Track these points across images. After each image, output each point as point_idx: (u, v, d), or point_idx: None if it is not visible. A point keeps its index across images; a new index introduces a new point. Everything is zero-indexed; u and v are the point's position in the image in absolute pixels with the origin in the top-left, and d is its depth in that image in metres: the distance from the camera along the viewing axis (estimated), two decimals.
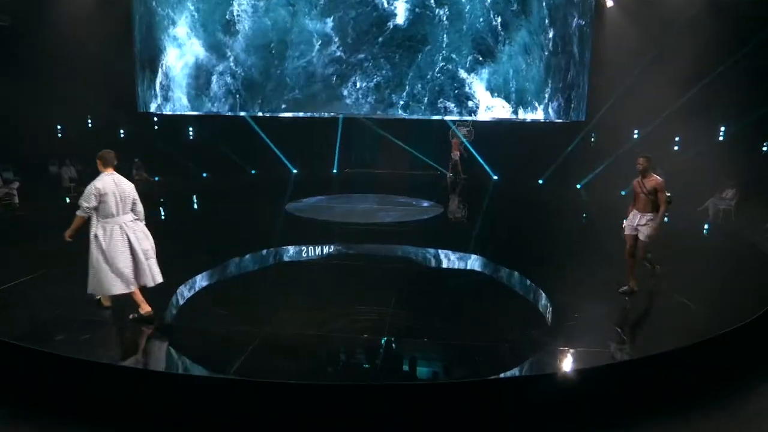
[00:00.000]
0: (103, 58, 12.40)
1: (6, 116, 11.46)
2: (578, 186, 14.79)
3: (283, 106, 9.08)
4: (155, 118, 15.75)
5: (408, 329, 5.20)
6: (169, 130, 15.76)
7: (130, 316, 5.03)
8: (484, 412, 3.89)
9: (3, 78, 11.71)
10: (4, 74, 11.77)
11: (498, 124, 15.85)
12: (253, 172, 16.56)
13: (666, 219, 5.87)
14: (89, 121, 14.95)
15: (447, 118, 15.93)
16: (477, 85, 9.07)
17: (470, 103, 9.07)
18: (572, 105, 10.27)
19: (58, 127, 14.34)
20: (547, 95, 9.53)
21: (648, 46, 12.39)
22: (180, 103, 9.20)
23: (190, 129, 16.49)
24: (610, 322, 5.35)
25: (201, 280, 6.43)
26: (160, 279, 5.11)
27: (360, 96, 8.68)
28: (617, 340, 4.97)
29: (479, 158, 16.87)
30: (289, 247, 8.20)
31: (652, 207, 5.62)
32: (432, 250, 8.28)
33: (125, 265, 4.89)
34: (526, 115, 9.46)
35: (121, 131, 15.33)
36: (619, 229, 6.05)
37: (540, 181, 15.65)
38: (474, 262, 7.62)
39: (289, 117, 14.11)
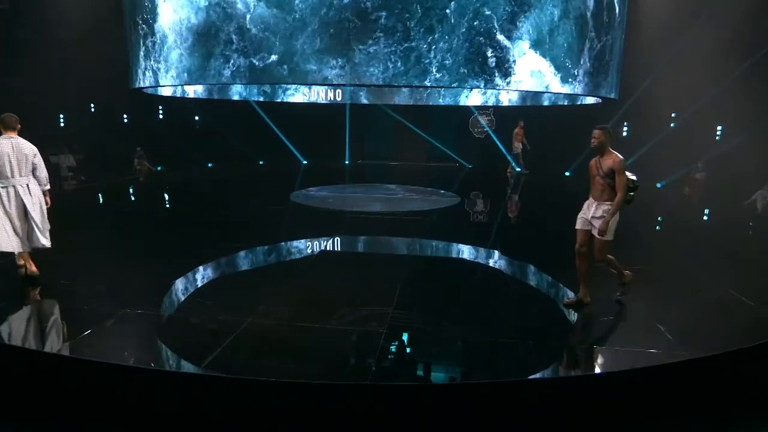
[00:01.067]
0: (103, 40, 12.10)
1: (5, 103, 11.16)
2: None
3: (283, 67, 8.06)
4: (161, 108, 15.48)
5: (412, 323, 4.61)
6: (174, 117, 15.46)
7: (21, 271, 5.37)
8: (503, 417, 3.29)
9: (2, 62, 11.54)
10: (3, 58, 11.58)
11: (520, 110, 15.22)
12: (261, 162, 16.18)
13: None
14: (92, 107, 14.73)
15: (470, 102, 15.33)
16: (515, 49, 8.12)
17: (505, 69, 8.13)
18: (607, 79, 9.44)
19: (60, 116, 14.17)
20: (582, 66, 8.70)
21: (689, 13, 11.57)
22: (178, 72, 8.46)
23: (196, 117, 16.18)
24: (650, 320, 4.68)
25: (195, 273, 5.92)
26: (48, 244, 5.39)
27: (373, 60, 7.78)
28: (662, 339, 4.30)
29: (502, 148, 16.18)
30: (289, 242, 7.66)
31: (611, 194, 4.61)
32: (440, 243, 7.68)
33: (20, 226, 5.23)
34: (562, 88, 8.56)
35: (125, 116, 15.05)
36: (653, 222, 5.36)
37: (567, 173, 14.86)
38: (488, 256, 6.99)
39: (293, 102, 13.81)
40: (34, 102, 11.60)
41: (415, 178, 13.87)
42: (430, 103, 16.30)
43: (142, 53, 9.09)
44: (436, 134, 16.78)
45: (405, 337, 4.37)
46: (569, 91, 8.61)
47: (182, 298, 5.13)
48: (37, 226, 5.27)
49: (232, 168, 14.87)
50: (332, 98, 16.00)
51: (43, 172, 5.35)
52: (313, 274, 6.10)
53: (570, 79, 8.59)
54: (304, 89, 15.81)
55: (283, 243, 7.46)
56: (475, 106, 16.18)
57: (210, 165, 15.53)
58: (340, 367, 3.88)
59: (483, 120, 16.58)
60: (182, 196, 11.68)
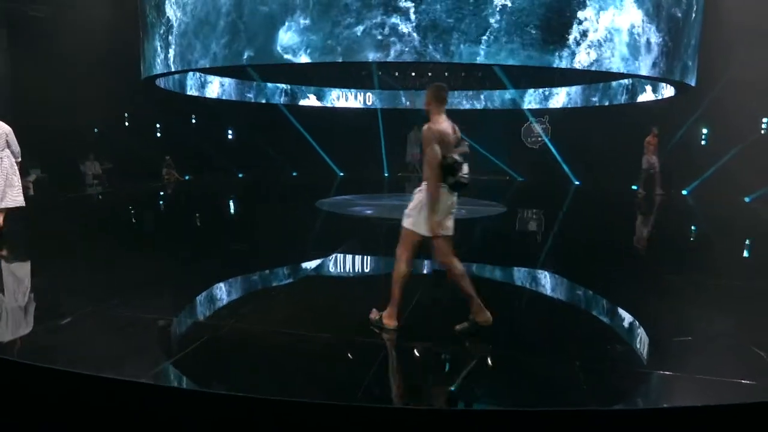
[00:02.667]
0: (137, 50, 12.27)
1: (41, 110, 11.41)
2: (684, 192, 12.72)
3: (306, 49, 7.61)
4: (193, 117, 15.57)
5: (425, 336, 3.81)
6: (207, 126, 15.51)
7: None
8: None
9: (39, 69, 11.84)
10: (41, 66, 11.89)
11: (576, 113, 14.25)
12: (294, 174, 15.88)
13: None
14: (125, 117, 14.98)
15: (526, 106, 14.48)
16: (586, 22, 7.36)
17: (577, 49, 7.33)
18: (682, 64, 8.44)
19: (95, 128, 14.47)
20: (655, 50, 7.80)
21: None
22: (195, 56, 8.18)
23: (229, 129, 16.17)
24: (743, 342, 3.69)
25: (185, 274, 5.40)
26: (16, 203, 6.60)
27: (410, 39, 7.19)
28: (761, 368, 3.30)
29: (559, 158, 15.14)
30: (299, 245, 7.05)
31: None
32: (469, 252, 6.83)
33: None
34: (640, 65, 7.64)
35: (158, 126, 15.22)
36: (741, 238, 4.38)
37: (634, 187, 13.62)
38: (527, 270, 6.07)
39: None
40: (72, 109, 11.87)
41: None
42: (477, 107, 15.64)
43: (165, 38, 8.84)
44: (485, 144, 15.92)
45: (410, 351, 3.59)
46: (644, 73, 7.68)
47: (161, 299, 4.56)
48: (11, 188, 6.51)
49: (262, 178, 14.63)
50: (364, 102, 15.65)
51: (15, 148, 6.59)
52: (319, 279, 5.43)
53: (639, 60, 7.69)
54: (333, 93, 15.58)
55: (292, 246, 6.87)
56: (530, 112, 15.32)
57: (240, 175, 15.36)
58: (321, 381, 3.14)
59: (539, 127, 15.62)
60: (202, 202, 11.40)
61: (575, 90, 14.50)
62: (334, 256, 6.14)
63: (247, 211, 9.86)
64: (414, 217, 3.48)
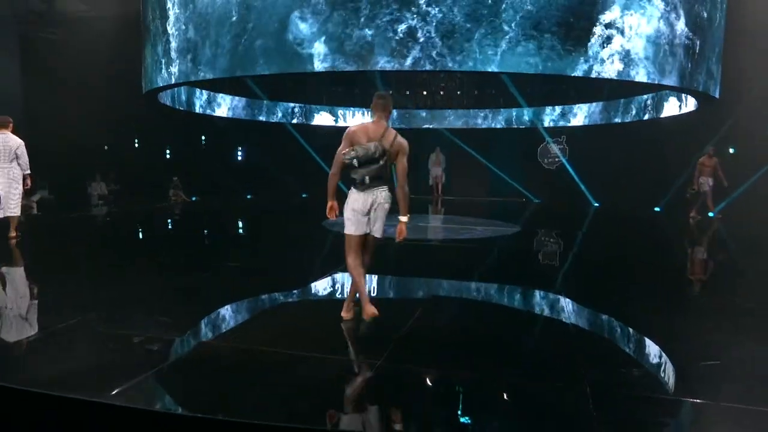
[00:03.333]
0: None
1: (51, 131, 11.53)
2: (711, 214, 12.22)
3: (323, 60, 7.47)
4: (203, 139, 15.64)
5: (420, 357, 3.51)
6: (217, 148, 15.55)
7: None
8: None
9: (50, 91, 12.00)
10: (52, 88, 12.06)
11: (593, 132, 13.92)
12: (304, 195, 15.75)
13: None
14: (136, 140, 15.12)
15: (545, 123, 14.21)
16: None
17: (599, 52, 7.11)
18: (704, 79, 8.12)
19: (105, 146, 14.61)
20: (680, 57, 7.52)
21: None
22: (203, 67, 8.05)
23: (239, 148, 16.19)
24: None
25: (167, 290, 5.18)
26: (12, 213, 7.15)
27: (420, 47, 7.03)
28: None
29: (577, 179, 14.78)
30: (297, 263, 6.79)
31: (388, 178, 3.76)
32: (476, 271, 6.50)
33: (3, 197, 7.03)
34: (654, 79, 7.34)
35: (167, 148, 15.33)
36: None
37: (657, 209, 13.19)
38: (539, 292, 5.72)
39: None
40: (82, 130, 11.97)
41: (472, 212, 12.75)
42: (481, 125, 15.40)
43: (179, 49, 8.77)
44: (500, 164, 15.66)
45: (402, 374, 3.28)
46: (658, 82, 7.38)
47: (139, 314, 4.32)
48: (11, 199, 7.08)
49: (271, 200, 14.52)
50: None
51: (23, 160, 7.13)
52: (314, 297, 5.15)
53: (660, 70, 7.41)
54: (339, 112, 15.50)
55: (287, 265, 6.62)
56: (546, 130, 15.04)
57: (249, 196, 15.29)
58: (295, 403, 2.84)
59: (556, 148, 15.31)
60: (203, 222, 11.26)
61: (594, 107, 14.22)
62: (327, 275, 5.87)
63: (248, 231, 9.69)
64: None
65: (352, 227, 3.79)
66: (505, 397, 3.05)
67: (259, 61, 7.67)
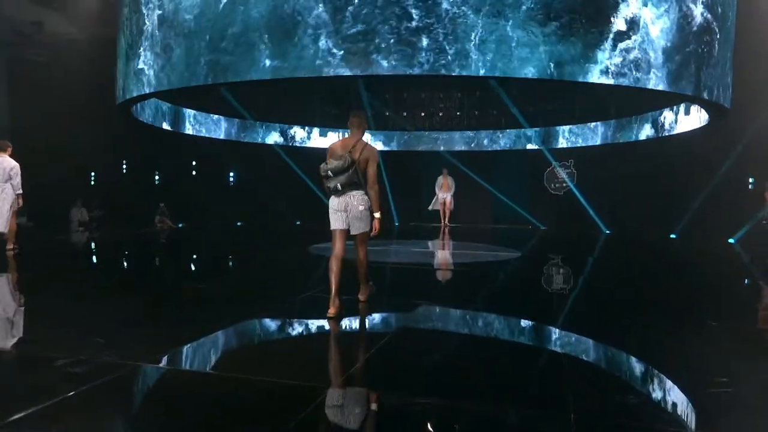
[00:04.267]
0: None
1: (38, 155, 11.44)
2: (731, 240, 11.80)
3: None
4: (194, 165, 15.52)
5: (382, 380, 3.14)
6: (208, 174, 15.40)
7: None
8: None
9: (37, 113, 11.99)
10: (39, 111, 12.05)
11: (601, 150, 13.61)
12: (297, 222, 15.49)
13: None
14: (124, 164, 15.04)
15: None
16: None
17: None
18: (713, 91, 7.82)
19: (92, 174, 14.56)
20: (690, 62, 7.25)
21: None
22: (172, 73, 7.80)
23: (231, 174, 16.04)
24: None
25: (113, 312, 4.85)
26: (3, 229, 7.93)
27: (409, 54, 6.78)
28: None
29: (587, 205, 14.42)
30: (268, 283, 6.46)
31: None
32: (461, 294, 6.12)
33: None
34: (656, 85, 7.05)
35: (156, 173, 15.22)
36: None
37: (672, 235, 12.75)
38: (526, 322, 5.32)
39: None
40: (67, 154, 11.89)
41: (475, 238, 12.39)
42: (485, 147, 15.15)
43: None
44: (504, 189, 15.36)
45: (355, 399, 2.91)
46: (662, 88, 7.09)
47: (71, 336, 3.98)
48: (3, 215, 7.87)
49: (262, 226, 14.25)
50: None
51: (15, 180, 7.99)
52: (275, 322, 4.80)
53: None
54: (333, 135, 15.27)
55: (259, 284, 6.29)
56: (551, 153, 14.77)
57: (239, 223, 15.04)
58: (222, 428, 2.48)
59: (559, 174, 15.01)
60: (182, 249, 10.97)
61: (603, 127, 13.96)
62: (293, 300, 5.53)
63: (225, 258, 9.33)
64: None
65: (332, 223, 4.58)
66: (475, 426, 2.66)
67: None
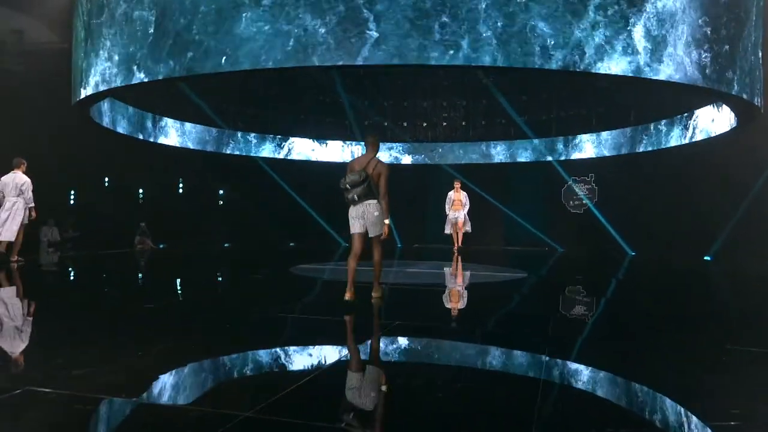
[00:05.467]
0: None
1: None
2: None
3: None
4: (180, 184, 15.21)
5: (299, 410, 2.50)
6: (196, 193, 15.05)
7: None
8: None
9: (15, 125, 11.77)
10: (16, 122, 11.84)
11: (624, 161, 12.93)
12: (291, 244, 15.04)
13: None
14: (106, 181, 14.74)
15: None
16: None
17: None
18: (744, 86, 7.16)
19: (71, 192, 14.28)
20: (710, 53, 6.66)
21: None
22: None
23: (221, 192, 15.66)
24: None
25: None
26: (4, 238, 8.87)
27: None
28: None
29: (608, 226, 13.67)
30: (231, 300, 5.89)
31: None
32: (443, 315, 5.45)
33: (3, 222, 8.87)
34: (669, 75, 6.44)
35: (140, 192, 14.91)
36: None
37: (707, 258, 11.91)
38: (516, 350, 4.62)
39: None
40: (46, 170, 11.62)
41: (481, 259, 11.69)
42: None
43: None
44: (517, 208, 14.67)
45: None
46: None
47: None
48: (8, 226, 8.86)
49: (252, 247, 13.75)
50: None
51: (27, 195, 9.06)
52: (205, 339, 4.18)
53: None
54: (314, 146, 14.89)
55: (224, 302, 5.74)
56: (562, 166, 14.12)
57: (227, 244, 14.59)
58: None
59: (580, 189, 14.29)
60: (152, 271, 10.46)
61: (617, 135, 13.34)
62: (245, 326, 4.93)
63: (188, 280, 8.75)
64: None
65: (352, 228, 5.51)
66: None
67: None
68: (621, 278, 9.44)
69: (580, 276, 9.71)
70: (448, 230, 13.11)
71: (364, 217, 5.40)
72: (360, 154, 14.31)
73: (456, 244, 13.00)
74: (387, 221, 5.47)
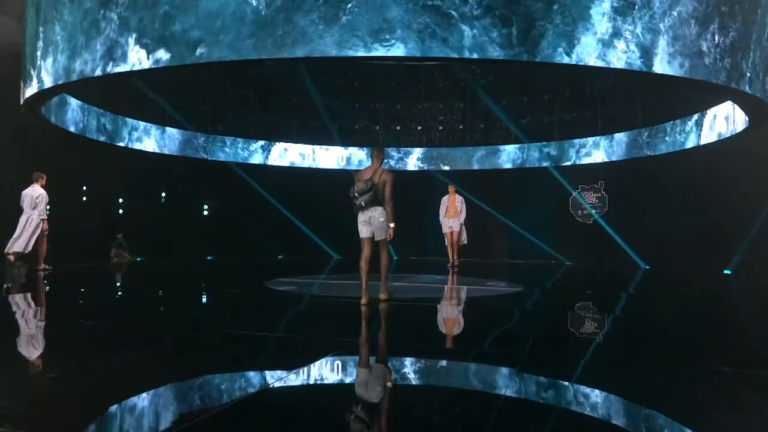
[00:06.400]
0: None
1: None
2: None
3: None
4: (163, 194, 15.00)
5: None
6: (180, 203, 14.82)
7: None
8: None
9: None
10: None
11: (635, 165, 12.58)
12: (280, 257, 14.87)
13: None
14: (84, 189, 14.52)
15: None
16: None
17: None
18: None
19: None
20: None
21: None
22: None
23: (205, 205, 15.43)
24: None
25: None
26: (17, 249, 9.89)
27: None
28: None
29: (619, 239, 13.21)
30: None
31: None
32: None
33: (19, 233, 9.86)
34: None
35: (120, 200, 14.67)
36: None
37: (727, 271, 11.45)
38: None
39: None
40: (18, 179, 11.48)
41: (481, 273, 11.26)
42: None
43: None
44: (520, 219, 14.24)
45: None
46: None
47: None
48: (26, 239, 9.84)
49: (236, 261, 13.45)
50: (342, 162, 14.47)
51: (39, 208, 9.99)
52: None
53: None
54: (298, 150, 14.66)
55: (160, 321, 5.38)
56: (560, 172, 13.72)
57: (209, 257, 14.43)
58: None
59: (587, 199, 13.83)
60: (124, 284, 10.21)
61: (628, 137, 12.95)
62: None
63: (154, 296, 8.41)
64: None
65: (361, 233, 6.22)
66: None
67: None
68: (626, 294, 8.99)
69: (579, 291, 9.30)
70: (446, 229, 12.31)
71: (371, 222, 6.13)
72: (346, 158, 14.87)
73: (451, 259, 12.11)
74: (392, 225, 6.15)
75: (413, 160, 14.72)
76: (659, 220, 11.95)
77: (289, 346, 4.54)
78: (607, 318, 6.51)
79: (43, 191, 10.05)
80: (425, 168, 14.71)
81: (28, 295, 8.12)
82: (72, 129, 11.37)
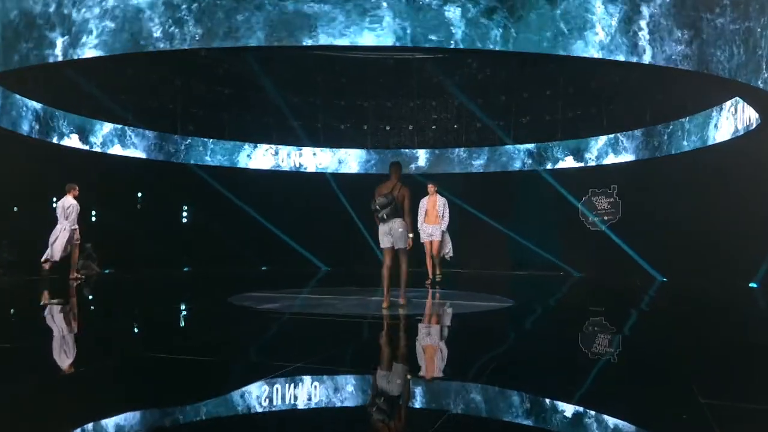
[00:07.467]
0: None
1: None
2: None
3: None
4: (138, 202, 14.82)
5: None
6: (156, 213, 14.71)
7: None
8: None
9: None
10: None
11: (649, 167, 12.25)
12: (263, 268, 14.74)
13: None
14: (54, 200, 14.35)
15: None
16: None
17: None
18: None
19: (15, 208, 13.92)
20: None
21: None
22: None
23: (184, 213, 15.20)
24: None
25: None
26: (52, 256, 10.74)
27: None
28: None
29: (631, 251, 12.80)
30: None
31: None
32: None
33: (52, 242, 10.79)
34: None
35: (93, 214, 14.46)
36: None
37: (753, 284, 11.00)
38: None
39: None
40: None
41: (471, 286, 10.80)
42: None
43: None
44: (522, 228, 13.82)
45: None
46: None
47: None
48: (58, 247, 10.64)
49: (214, 273, 13.16)
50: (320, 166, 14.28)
51: (71, 218, 10.69)
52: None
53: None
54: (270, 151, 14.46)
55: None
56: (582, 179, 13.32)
57: (186, 269, 14.31)
58: None
59: (598, 204, 13.43)
60: (79, 299, 9.86)
61: (641, 136, 12.59)
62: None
63: (97, 313, 8.19)
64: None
65: (382, 243, 7.00)
66: None
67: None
68: (633, 311, 8.44)
69: (578, 307, 8.84)
70: (447, 252, 10.75)
71: (391, 233, 6.85)
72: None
73: (430, 274, 10.43)
74: (410, 235, 6.94)
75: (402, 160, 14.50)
76: (676, 227, 11.58)
77: (212, 371, 4.08)
78: (602, 343, 5.89)
79: (74, 202, 10.72)
80: (412, 172, 14.45)
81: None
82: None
